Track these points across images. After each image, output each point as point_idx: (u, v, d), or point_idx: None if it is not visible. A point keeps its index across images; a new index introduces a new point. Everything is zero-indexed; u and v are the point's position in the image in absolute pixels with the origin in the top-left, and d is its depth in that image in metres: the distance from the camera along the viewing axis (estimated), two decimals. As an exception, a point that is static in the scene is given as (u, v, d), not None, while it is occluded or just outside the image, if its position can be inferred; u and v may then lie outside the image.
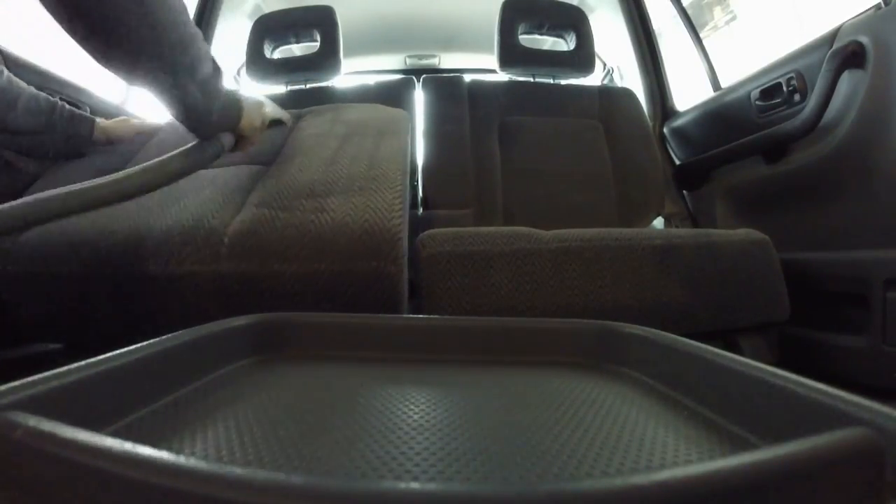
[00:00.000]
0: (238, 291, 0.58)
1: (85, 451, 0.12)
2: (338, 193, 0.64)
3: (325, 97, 1.38)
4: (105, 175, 0.84)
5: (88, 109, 1.06)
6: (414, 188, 1.30)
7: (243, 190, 0.70)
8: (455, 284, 0.72)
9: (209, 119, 0.57)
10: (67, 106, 0.85)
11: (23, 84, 0.80)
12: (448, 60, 2.19)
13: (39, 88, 0.83)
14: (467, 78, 1.43)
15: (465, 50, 2.16)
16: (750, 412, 0.22)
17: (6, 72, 0.77)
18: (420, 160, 1.32)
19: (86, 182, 0.52)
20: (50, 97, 0.83)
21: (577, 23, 1.39)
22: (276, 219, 0.61)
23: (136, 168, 0.55)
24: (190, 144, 0.59)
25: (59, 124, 0.83)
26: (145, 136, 0.94)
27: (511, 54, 1.35)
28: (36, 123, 0.80)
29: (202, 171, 0.80)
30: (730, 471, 0.12)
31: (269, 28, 1.40)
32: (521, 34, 1.37)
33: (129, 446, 0.12)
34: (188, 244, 0.60)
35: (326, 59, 1.34)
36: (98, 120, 0.89)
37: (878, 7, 0.86)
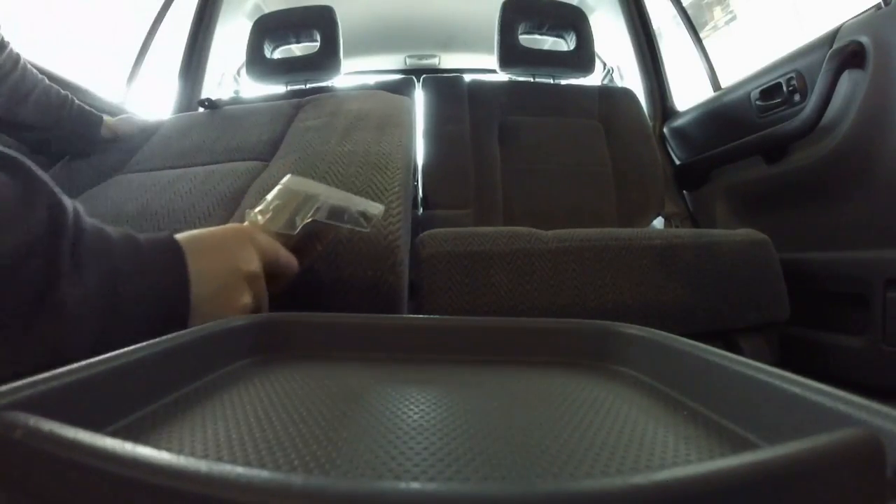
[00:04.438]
0: None
1: (85, 451, 0.12)
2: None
3: (325, 97, 1.38)
4: (108, 175, 0.83)
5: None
6: (414, 188, 1.30)
7: (237, 190, 0.69)
8: (455, 284, 0.72)
9: None
10: (77, 102, 0.83)
11: (38, 77, 0.78)
12: (448, 60, 2.19)
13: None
14: (467, 78, 1.43)
15: (465, 50, 2.16)
16: (750, 412, 0.22)
17: (22, 61, 0.75)
18: (420, 160, 1.32)
19: None
20: (61, 91, 0.81)
21: (577, 23, 1.40)
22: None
23: None
24: None
25: (67, 122, 0.81)
26: (148, 133, 0.93)
27: (511, 54, 1.35)
28: (45, 119, 0.78)
29: (194, 168, 0.78)
30: (730, 471, 0.12)
31: (269, 28, 1.40)
32: (521, 34, 1.37)
33: (129, 446, 0.12)
34: None
35: (326, 59, 1.34)
36: (104, 118, 0.88)
37: (878, 7, 0.87)
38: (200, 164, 0.80)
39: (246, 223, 0.43)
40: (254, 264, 0.38)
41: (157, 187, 0.71)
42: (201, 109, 1.04)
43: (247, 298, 0.37)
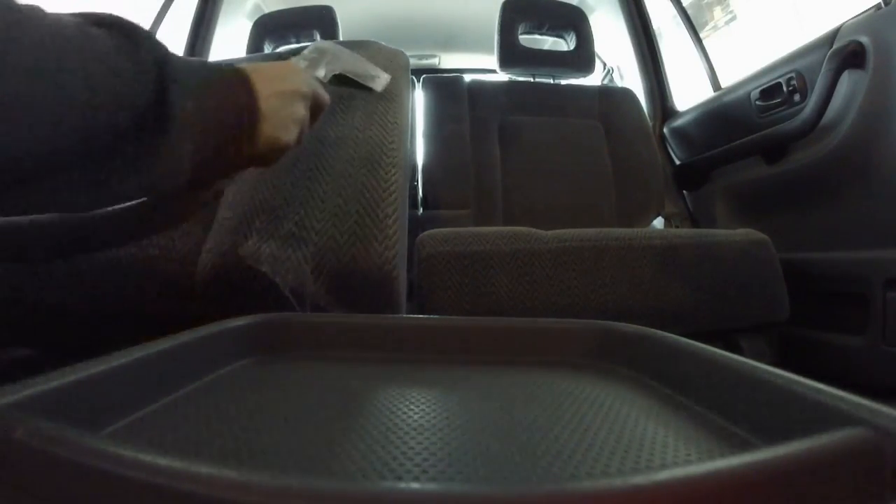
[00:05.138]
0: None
1: (85, 451, 0.12)
2: (319, 210, 0.55)
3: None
4: None
5: None
6: (413, 188, 1.30)
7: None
8: (455, 284, 0.72)
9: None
10: None
11: None
12: (448, 60, 2.19)
13: None
14: (467, 78, 1.43)
15: (465, 50, 2.16)
16: (750, 412, 0.22)
17: None
18: (420, 160, 1.32)
19: None
20: None
21: (577, 23, 1.40)
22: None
23: None
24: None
25: None
26: None
27: (511, 54, 1.35)
28: None
29: None
30: (730, 471, 0.12)
31: (269, 28, 1.40)
32: (521, 34, 1.37)
33: (129, 447, 0.12)
34: (153, 280, 0.52)
35: (326, 58, 1.34)
36: None
37: (878, 7, 0.87)
38: None
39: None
40: (308, 87, 0.46)
41: None
42: None
43: (303, 111, 0.44)
